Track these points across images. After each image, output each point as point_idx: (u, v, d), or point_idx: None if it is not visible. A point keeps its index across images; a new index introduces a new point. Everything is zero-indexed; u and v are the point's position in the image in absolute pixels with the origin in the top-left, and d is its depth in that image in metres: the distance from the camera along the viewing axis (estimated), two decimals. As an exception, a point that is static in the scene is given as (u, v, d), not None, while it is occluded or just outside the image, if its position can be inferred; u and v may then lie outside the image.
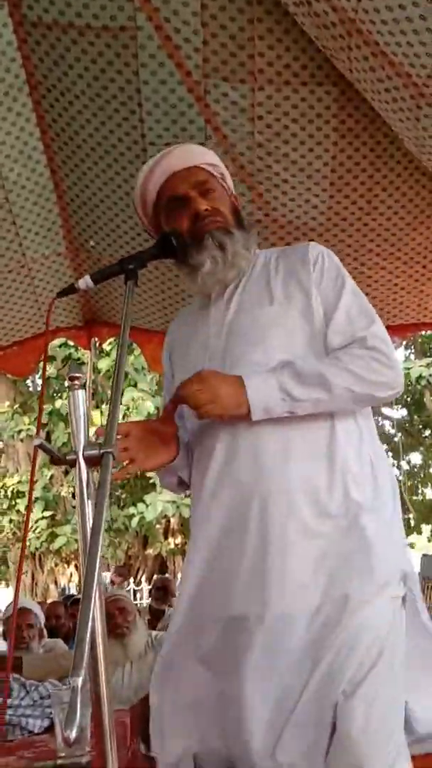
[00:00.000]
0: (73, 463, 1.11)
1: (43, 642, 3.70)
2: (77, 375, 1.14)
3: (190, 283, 1.76)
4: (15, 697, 2.32)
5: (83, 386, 1.14)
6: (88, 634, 0.79)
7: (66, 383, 1.14)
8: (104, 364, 10.69)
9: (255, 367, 1.61)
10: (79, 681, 0.73)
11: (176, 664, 1.61)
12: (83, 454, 1.11)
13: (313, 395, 1.55)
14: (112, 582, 10.47)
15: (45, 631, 3.87)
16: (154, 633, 3.95)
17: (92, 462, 1.11)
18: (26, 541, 2.32)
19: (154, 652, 3.72)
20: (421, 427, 15.27)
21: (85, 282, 1.51)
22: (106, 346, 9.97)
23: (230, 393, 1.54)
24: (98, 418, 10.23)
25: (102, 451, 1.05)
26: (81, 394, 1.15)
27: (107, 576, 10.68)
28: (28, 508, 1.76)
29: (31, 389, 13.46)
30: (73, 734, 0.71)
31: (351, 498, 1.56)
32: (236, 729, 1.49)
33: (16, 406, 12.87)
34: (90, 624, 0.81)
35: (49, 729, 2.19)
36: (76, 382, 1.14)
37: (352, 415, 1.65)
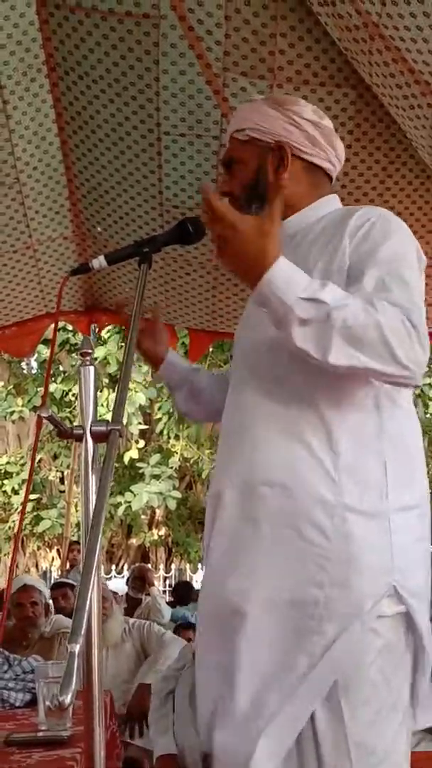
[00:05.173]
0: (79, 438, 1.12)
1: (51, 618, 3.66)
2: (88, 351, 1.16)
3: None
4: (-3, 670, 2.34)
5: (93, 363, 1.16)
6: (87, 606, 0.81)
7: (77, 358, 1.16)
8: (100, 352, 10.67)
9: (266, 329, 1.47)
10: (77, 648, 0.75)
11: None
12: (90, 430, 1.12)
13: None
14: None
15: (51, 606, 3.84)
16: (131, 621, 3.97)
17: (99, 437, 1.12)
18: (23, 519, 2.31)
19: (131, 639, 3.74)
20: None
21: (99, 262, 1.51)
22: (104, 334, 9.96)
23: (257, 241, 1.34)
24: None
25: (109, 428, 1.06)
26: (91, 370, 1.16)
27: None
28: (27, 487, 1.77)
29: (25, 371, 13.43)
30: (68, 699, 0.72)
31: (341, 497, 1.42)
32: None
33: (10, 387, 12.84)
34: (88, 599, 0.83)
35: (31, 703, 2.22)
36: (88, 358, 1.15)
37: (361, 403, 1.47)
